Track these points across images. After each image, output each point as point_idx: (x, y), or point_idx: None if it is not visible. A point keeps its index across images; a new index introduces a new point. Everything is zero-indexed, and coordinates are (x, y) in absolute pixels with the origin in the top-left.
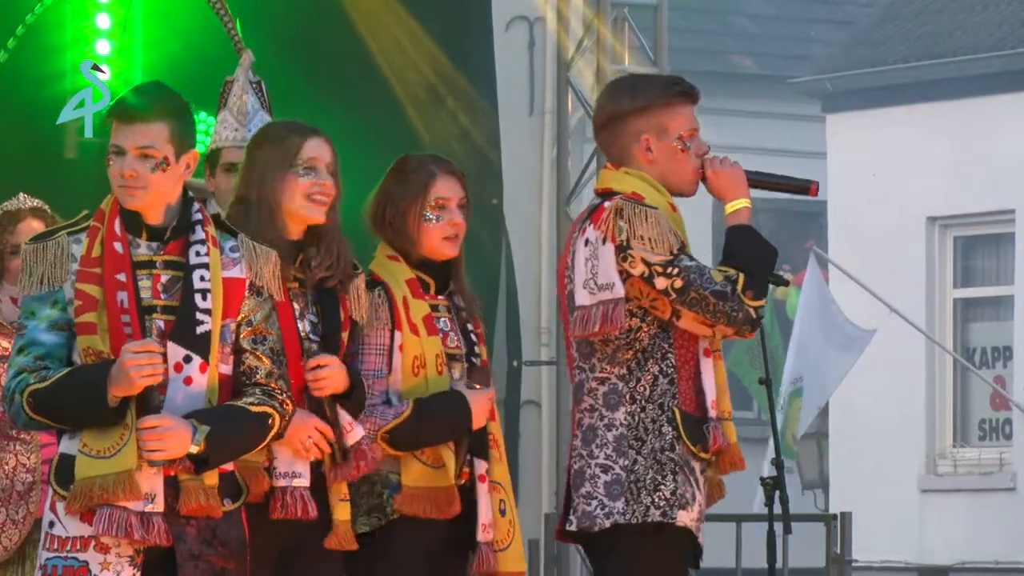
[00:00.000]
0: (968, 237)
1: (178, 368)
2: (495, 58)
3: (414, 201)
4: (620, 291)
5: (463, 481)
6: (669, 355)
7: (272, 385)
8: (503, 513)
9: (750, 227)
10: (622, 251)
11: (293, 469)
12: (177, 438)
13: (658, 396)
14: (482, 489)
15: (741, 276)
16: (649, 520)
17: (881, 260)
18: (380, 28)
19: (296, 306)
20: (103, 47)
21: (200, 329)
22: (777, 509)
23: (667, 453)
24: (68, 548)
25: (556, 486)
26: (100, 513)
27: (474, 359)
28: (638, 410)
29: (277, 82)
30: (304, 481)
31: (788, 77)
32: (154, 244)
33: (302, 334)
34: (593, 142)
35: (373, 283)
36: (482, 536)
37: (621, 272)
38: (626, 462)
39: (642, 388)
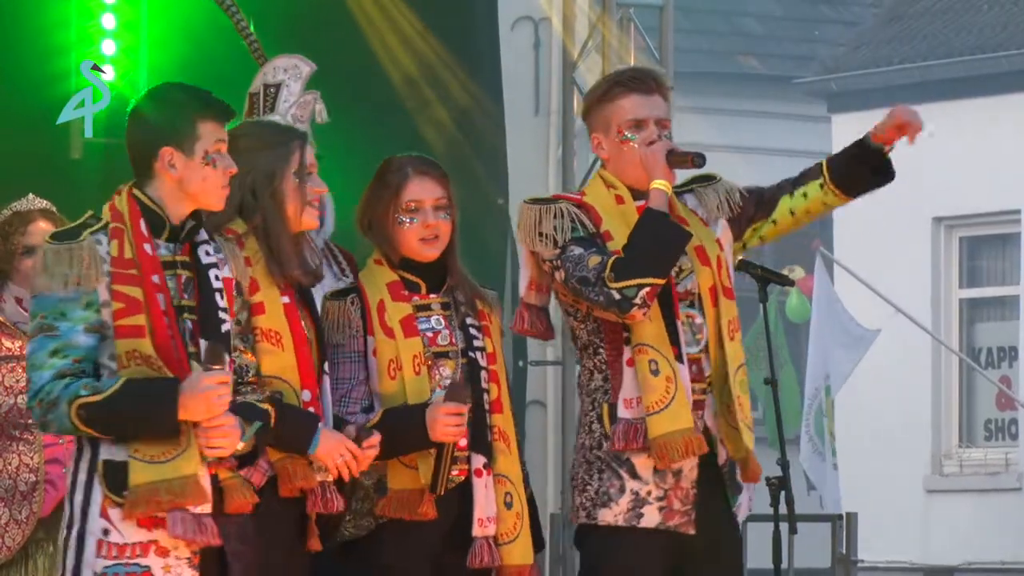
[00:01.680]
0: (974, 237)
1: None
2: (500, 58)
3: (388, 204)
4: (523, 290)
5: (460, 479)
6: (601, 350)
7: (254, 381)
8: (509, 506)
9: (652, 209)
10: (533, 252)
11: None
12: (235, 435)
13: (592, 391)
14: (479, 484)
15: (613, 259)
16: (580, 522)
17: (887, 260)
18: (385, 28)
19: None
20: (108, 47)
21: (223, 328)
22: (783, 509)
23: (595, 451)
24: (128, 555)
25: (562, 486)
26: (172, 517)
27: (472, 353)
28: (580, 403)
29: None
30: (331, 476)
31: (794, 77)
32: (171, 245)
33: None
34: None
35: (345, 292)
36: (478, 531)
37: (544, 273)
38: (572, 464)
39: (583, 381)
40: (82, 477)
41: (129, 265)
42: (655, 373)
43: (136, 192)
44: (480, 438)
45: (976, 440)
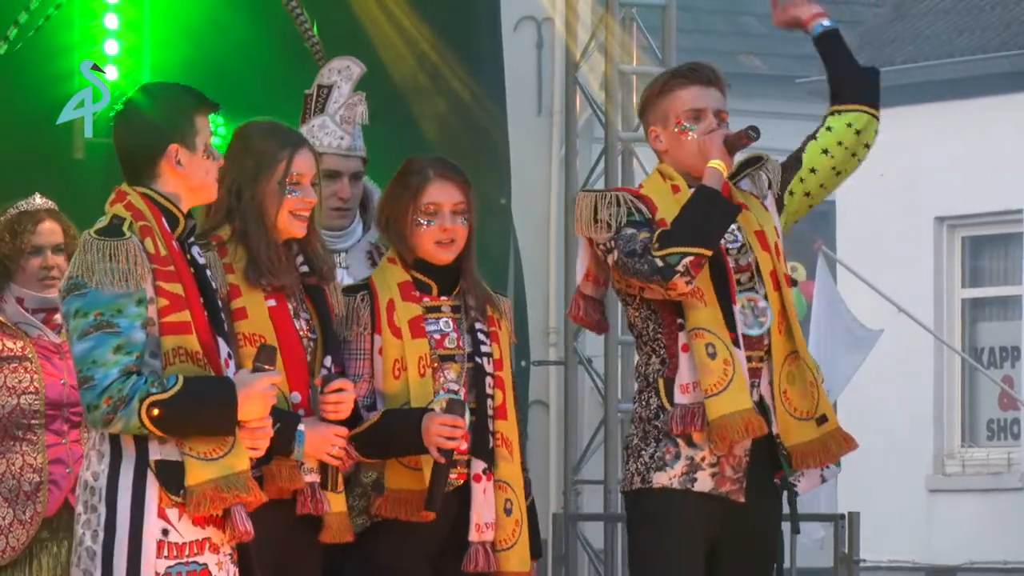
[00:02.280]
0: (976, 237)
1: (226, 364)
2: (503, 58)
3: (407, 205)
4: (579, 280)
5: (458, 483)
6: (660, 336)
7: None
8: (509, 512)
9: (704, 186)
10: (591, 240)
11: (311, 465)
12: (270, 436)
13: (650, 373)
14: (478, 488)
15: (659, 231)
16: (633, 488)
17: (889, 260)
18: (387, 28)
19: (290, 306)
20: (111, 47)
21: (227, 326)
22: (785, 509)
23: (653, 422)
24: (187, 553)
25: (564, 486)
26: (235, 512)
27: (478, 358)
28: (636, 383)
29: (282, 82)
30: (317, 477)
31: (797, 77)
32: (177, 244)
33: (301, 333)
34: (601, 142)
35: (357, 287)
36: (475, 536)
37: (600, 261)
38: (627, 432)
39: (641, 365)
40: (126, 479)
41: (166, 262)
42: (712, 356)
43: (147, 191)
44: (481, 443)
45: (978, 440)
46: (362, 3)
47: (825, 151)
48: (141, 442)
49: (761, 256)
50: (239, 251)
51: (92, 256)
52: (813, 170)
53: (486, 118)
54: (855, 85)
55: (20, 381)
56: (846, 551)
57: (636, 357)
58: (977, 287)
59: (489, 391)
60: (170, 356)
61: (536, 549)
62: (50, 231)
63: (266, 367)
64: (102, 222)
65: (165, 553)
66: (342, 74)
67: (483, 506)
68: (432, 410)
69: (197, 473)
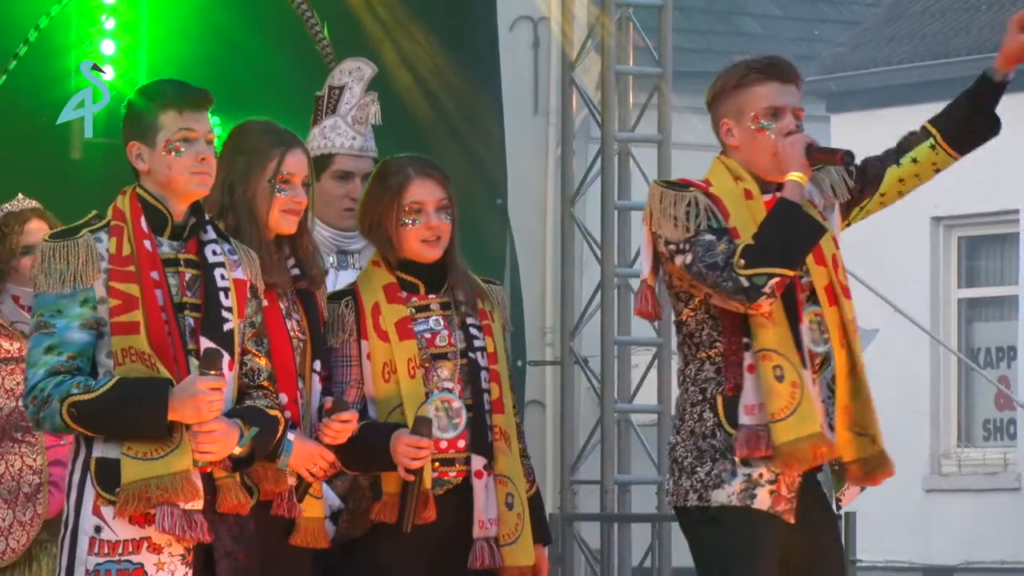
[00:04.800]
0: (972, 237)
1: (231, 366)
2: (499, 58)
3: (390, 206)
4: (646, 273)
5: (457, 481)
6: (717, 343)
7: (270, 387)
8: (511, 507)
9: (787, 200)
10: (655, 234)
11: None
12: (228, 440)
13: (702, 381)
14: (479, 485)
15: (742, 246)
16: (689, 504)
17: (885, 260)
18: (383, 27)
19: (282, 305)
20: (108, 48)
21: (226, 327)
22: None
23: (708, 440)
24: (120, 551)
25: (560, 486)
26: (161, 512)
27: (472, 354)
28: (684, 392)
29: (278, 82)
30: (295, 481)
31: None
32: (175, 242)
33: (292, 334)
34: (597, 142)
35: (342, 294)
36: (478, 532)
37: (660, 255)
38: (673, 441)
39: (691, 371)
40: (76, 476)
41: (127, 262)
42: (780, 379)
43: (139, 190)
44: (480, 439)
45: (975, 440)
46: (358, 3)
47: (901, 179)
48: (90, 440)
49: (816, 271)
50: None
51: (44, 258)
52: (883, 194)
53: (482, 118)
54: (972, 137)
55: (18, 383)
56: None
57: (680, 358)
58: (973, 287)
59: (485, 386)
60: (119, 356)
61: (544, 534)
62: (37, 230)
63: (210, 372)
64: (79, 222)
65: (96, 550)
66: (353, 75)
67: (485, 502)
68: (404, 426)
69: (130, 472)
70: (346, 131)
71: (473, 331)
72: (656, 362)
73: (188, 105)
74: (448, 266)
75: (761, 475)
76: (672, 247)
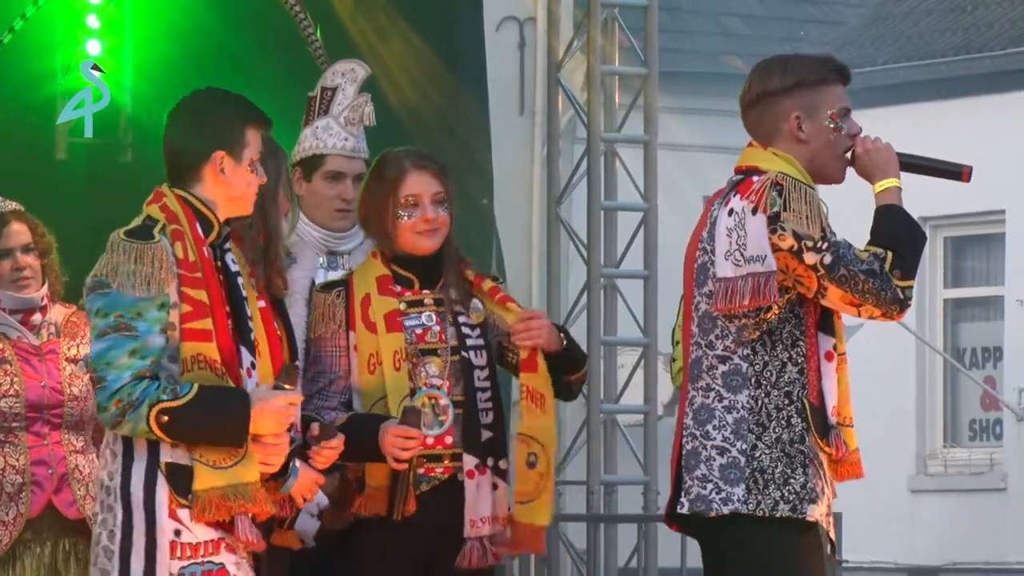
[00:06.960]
0: (958, 237)
1: (249, 373)
2: (485, 58)
3: (386, 199)
4: (772, 264)
5: (444, 477)
6: (800, 343)
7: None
8: (532, 465)
9: (899, 207)
10: (773, 223)
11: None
12: (286, 453)
13: (785, 383)
14: (470, 485)
15: (890, 255)
16: (777, 515)
17: None
18: (369, 27)
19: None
20: (93, 47)
21: (252, 336)
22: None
23: (796, 446)
24: (202, 553)
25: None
26: (241, 521)
27: (465, 352)
28: (762, 395)
29: (263, 80)
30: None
31: None
32: (209, 250)
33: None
34: (583, 143)
35: (335, 284)
36: (470, 531)
37: (772, 245)
38: (744, 446)
39: (769, 373)
40: (138, 480)
41: (194, 268)
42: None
43: (184, 194)
44: (472, 438)
45: (961, 440)
46: (343, 3)
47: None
48: (153, 444)
49: None
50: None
51: (118, 257)
52: None
53: (468, 118)
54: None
55: (0, 384)
56: (828, 551)
57: (737, 358)
58: (959, 287)
59: (479, 384)
60: (188, 363)
61: (580, 358)
62: (17, 232)
63: (285, 386)
64: (135, 222)
65: (179, 554)
66: (346, 76)
67: (476, 502)
68: (392, 417)
69: (205, 479)
70: (338, 132)
71: (466, 329)
72: (642, 362)
73: (268, 126)
74: (445, 261)
75: (829, 495)
76: (807, 242)
